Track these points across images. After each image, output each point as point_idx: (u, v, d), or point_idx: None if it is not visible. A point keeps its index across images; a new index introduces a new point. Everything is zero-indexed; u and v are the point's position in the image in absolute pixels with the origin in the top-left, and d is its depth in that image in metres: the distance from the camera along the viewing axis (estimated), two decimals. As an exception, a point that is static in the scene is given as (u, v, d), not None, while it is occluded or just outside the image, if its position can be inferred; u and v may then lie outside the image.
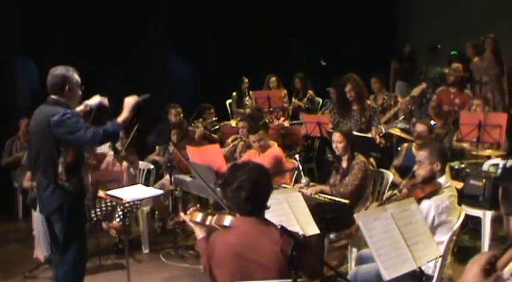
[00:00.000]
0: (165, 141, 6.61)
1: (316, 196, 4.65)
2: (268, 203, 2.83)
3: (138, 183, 5.39)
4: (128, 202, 4.72)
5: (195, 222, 3.01)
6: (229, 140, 6.83)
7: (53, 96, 3.81)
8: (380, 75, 7.60)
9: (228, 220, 2.82)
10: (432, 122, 6.03)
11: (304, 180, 4.88)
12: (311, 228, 3.55)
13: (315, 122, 6.58)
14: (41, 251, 5.22)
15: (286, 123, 7.93)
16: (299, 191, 4.10)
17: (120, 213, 5.43)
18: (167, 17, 9.67)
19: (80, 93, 3.95)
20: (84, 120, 3.86)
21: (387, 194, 4.74)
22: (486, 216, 4.84)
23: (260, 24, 10.15)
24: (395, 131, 6.10)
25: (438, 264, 3.42)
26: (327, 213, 4.32)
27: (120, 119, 3.87)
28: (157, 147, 6.86)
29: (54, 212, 3.84)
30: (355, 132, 5.36)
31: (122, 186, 4.81)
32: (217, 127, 7.74)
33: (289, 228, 2.57)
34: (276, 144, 5.79)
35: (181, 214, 3.21)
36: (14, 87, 8.49)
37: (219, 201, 4.43)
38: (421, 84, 7.08)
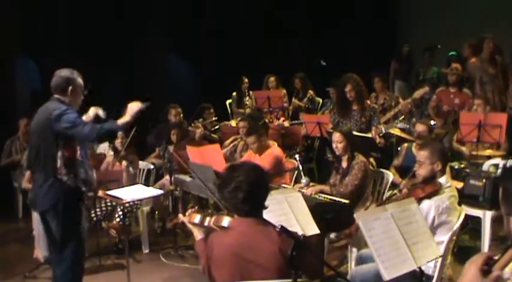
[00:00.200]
0: (165, 142, 6.61)
1: (316, 196, 4.65)
2: (268, 203, 2.83)
3: (138, 183, 5.39)
4: (128, 202, 4.73)
5: (194, 224, 3.02)
6: (227, 141, 6.81)
7: (56, 96, 3.94)
8: (383, 75, 7.61)
9: (226, 221, 2.82)
10: (432, 122, 6.03)
11: (304, 180, 4.88)
12: (311, 228, 3.55)
13: (315, 122, 6.58)
14: (41, 251, 5.23)
15: (286, 123, 7.93)
16: (299, 191, 4.10)
17: (120, 213, 5.43)
18: (167, 17, 9.67)
19: (82, 97, 4.05)
20: None
21: (387, 194, 4.74)
22: (486, 216, 4.84)
23: (260, 24, 10.15)
24: (395, 131, 6.09)
25: (438, 264, 3.42)
26: (327, 213, 4.32)
27: (120, 121, 3.95)
28: (157, 149, 6.85)
29: (49, 209, 3.91)
30: (355, 132, 5.36)
31: (122, 186, 4.81)
32: (217, 127, 7.74)
33: (289, 228, 2.57)
34: (276, 144, 5.79)
35: (180, 216, 3.20)
36: (14, 87, 8.49)
37: (217, 202, 4.43)
38: (423, 86, 7.07)
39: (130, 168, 5.96)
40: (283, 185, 4.89)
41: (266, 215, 2.84)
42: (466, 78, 7.43)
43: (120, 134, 6.13)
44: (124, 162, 5.92)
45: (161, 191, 5.04)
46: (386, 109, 6.93)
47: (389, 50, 10.03)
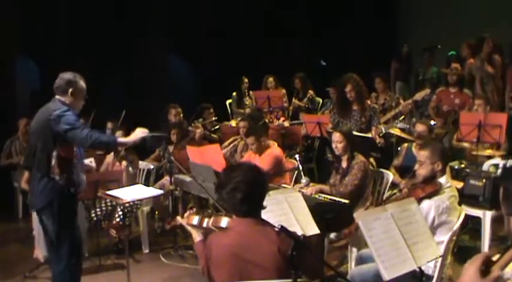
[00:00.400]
0: (165, 142, 6.60)
1: (316, 196, 4.65)
2: (268, 203, 2.83)
3: (138, 183, 5.39)
4: (128, 202, 4.73)
5: (192, 225, 3.01)
6: (226, 143, 6.80)
7: (57, 97, 3.98)
8: (384, 75, 7.62)
9: (224, 222, 2.82)
10: (432, 122, 6.03)
11: (304, 180, 4.88)
12: (311, 228, 3.55)
13: (315, 122, 6.58)
14: (40, 251, 5.22)
15: (286, 123, 7.93)
16: (299, 191, 4.10)
17: (120, 213, 5.43)
18: (167, 17, 9.67)
19: (83, 102, 4.09)
20: None
21: (387, 194, 4.74)
22: (486, 216, 4.84)
23: (260, 24, 10.15)
24: (395, 131, 6.09)
25: (438, 264, 3.42)
26: (327, 213, 4.32)
27: (121, 139, 4.12)
28: (157, 149, 6.85)
29: (44, 208, 3.95)
30: (355, 132, 5.36)
31: (122, 186, 4.81)
32: (217, 127, 7.74)
33: (289, 228, 2.57)
34: (276, 144, 5.79)
35: (178, 218, 3.19)
36: (14, 87, 8.50)
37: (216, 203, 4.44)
38: (424, 88, 7.08)
39: (130, 168, 5.96)
40: (283, 185, 4.89)
41: (266, 215, 2.84)
42: (464, 78, 7.44)
43: (120, 133, 6.13)
44: (124, 162, 5.92)
45: (161, 191, 5.04)
46: (387, 109, 6.93)
47: (389, 50, 10.03)
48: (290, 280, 2.48)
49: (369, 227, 2.90)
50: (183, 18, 9.49)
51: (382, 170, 5.24)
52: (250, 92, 8.73)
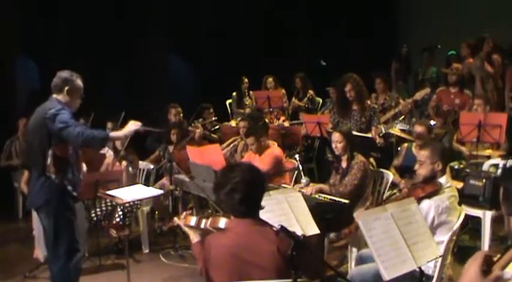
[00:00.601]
0: (165, 141, 6.61)
1: (316, 196, 4.65)
2: (268, 203, 2.83)
3: (138, 183, 5.39)
4: (128, 202, 4.73)
5: (190, 227, 2.99)
6: (225, 144, 6.78)
7: (54, 96, 3.99)
8: (385, 75, 7.62)
9: (222, 222, 2.80)
10: (432, 122, 6.03)
11: (304, 180, 4.88)
12: (311, 228, 3.55)
13: (315, 122, 6.58)
14: (41, 251, 5.22)
15: (286, 123, 7.93)
16: (299, 191, 4.10)
17: (120, 213, 5.43)
18: (167, 17, 9.67)
19: (80, 101, 4.08)
20: None
21: (387, 194, 4.74)
22: (486, 216, 4.84)
23: (260, 24, 10.15)
24: (395, 131, 6.09)
25: (438, 264, 3.42)
26: (327, 213, 4.32)
27: (112, 133, 4.08)
28: (157, 150, 6.85)
29: (41, 207, 3.98)
30: (355, 132, 5.36)
31: (122, 186, 4.81)
32: (217, 127, 7.74)
33: (289, 228, 2.57)
34: (276, 144, 5.79)
35: (175, 219, 3.15)
36: (14, 87, 8.49)
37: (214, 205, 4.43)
38: (424, 88, 7.07)
39: (130, 168, 5.96)
40: (283, 185, 4.89)
41: (266, 215, 2.83)
42: (464, 78, 7.43)
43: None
44: (124, 162, 5.92)
45: (161, 191, 5.04)
46: (387, 109, 6.93)
47: (389, 50, 10.02)
48: (290, 280, 2.48)
49: (369, 227, 2.90)
50: (183, 18, 9.49)
51: (382, 170, 5.25)
52: (250, 92, 8.73)
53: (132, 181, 5.66)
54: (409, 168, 4.55)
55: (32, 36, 8.23)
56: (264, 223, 2.76)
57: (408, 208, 3.13)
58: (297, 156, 5.53)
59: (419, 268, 3.00)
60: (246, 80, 8.86)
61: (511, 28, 8.37)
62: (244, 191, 2.69)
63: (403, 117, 6.41)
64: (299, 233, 3.35)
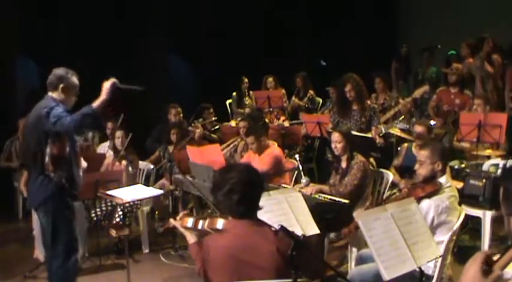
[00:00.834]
0: (166, 141, 6.61)
1: (316, 196, 4.65)
2: (268, 203, 2.82)
3: (138, 183, 5.39)
4: (128, 202, 4.72)
5: (186, 228, 2.98)
6: (224, 145, 6.75)
7: (49, 93, 4.00)
8: (384, 75, 7.62)
9: (220, 223, 2.79)
10: (432, 122, 6.03)
11: (304, 180, 4.88)
12: (311, 228, 3.55)
13: (315, 122, 6.58)
14: (41, 251, 5.22)
15: (286, 123, 7.93)
16: (299, 191, 4.10)
17: (120, 213, 5.43)
18: (167, 17, 9.67)
19: (75, 98, 4.07)
20: None
21: (387, 193, 4.74)
22: (486, 216, 4.84)
23: (260, 24, 10.15)
24: (395, 131, 6.09)
25: (438, 264, 3.42)
26: (327, 213, 4.32)
27: (95, 103, 3.87)
28: (157, 150, 6.85)
29: (39, 206, 3.99)
30: (355, 132, 5.36)
31: (122, 186, 4.81)
32: (217, 127, 7.74)
33: (289, 228, 2.57)
34: (276, 144, 5.79)
35: (171, 220, 3.13)
36: (14, 87, 8.49)
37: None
38: (423, 85, 7.07)
39: (130, 168, 5.95)
40: (283, 185, 4.89)
41: (266, 215, 2.83)
42: (464, 78, 7.43)
43: (120, 133, 6.13)
44: (124, 162, 5.92)
45: (161, 191, 5.04)
46: (386, 109, 6.93)
47: (389, 50, 10.02)
48: (290, 280, 2.48)
49: (369, 227, 2.90)
50: (183, 18, 9.49)
51: (382, 170, 5.25)
52: (250, 92, 8.74)
53: (132, 181, 5.66)
54: (409, 168, 4.55)
55: (32, 36, 8.22)
56: (262, 223, 2.75)
57: (408, 208, 3.13)
58: (297, 156, 5.53)
59: (419, 268, 3.00)
60: (246, 80, 8.87)
61: (511, 28, 8.37)
62: (242, 191, 2.68)
63: (403, 117, 6.42)
64: (299, 233, 3.35)
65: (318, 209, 4.07)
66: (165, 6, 9.53)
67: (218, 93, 8.85)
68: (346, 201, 4.51)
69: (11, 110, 8.08)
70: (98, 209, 5.46)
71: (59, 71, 4.01)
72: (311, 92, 8.57)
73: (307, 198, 3.88)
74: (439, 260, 3.34)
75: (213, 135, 7.48)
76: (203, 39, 9.66)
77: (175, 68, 10.20)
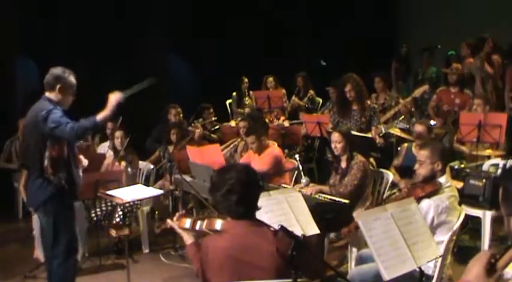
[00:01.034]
0: (165, 141, 6.61)
1: (316, 196, 4.65)
2: (268, 203, 2.82)
3: (138, 183, 5.39)
4: (128, 202, 4.73)
5: (184, 228, 2.96)
6: (224, 145, 6.74)
7: (46, 94, 3.99)
8: (384, 75, 7.62)
9: (219, 224, 2.79)
10: (432, 122, 6.03)
11: (304, 180, 4.88)
12: (311, 228, 3.55)
13: (315, 122, 6.58)
14: (41, 251, 5.22)
15: (286, 123, 7.93)
16: (299, 191, 4.10)
17: (120, 213, 5.43)
18: (167, 17, 9.67)
19: (73, 97, 4.06)
20: None
21: (387, 193, 4.74)
22: (486, 216, 4.84)
23: (260, 24, 10.15)
24: (395, 131, 6.09)
25: (438, 264, 3.42)
26: (327, 213, 4.32)
27: (99, 117, 3.91)
28: (157, 150, 6.84)
29: (39, 207, 3.99)
30: (355, 132, 5.36)
31: (122, 186, 4.81)
32: (217, 127, 7.74)
33: (289, 228, 2.56)
34: (276, 144, 5.79)
35: (168, 220, 3.11)
36: (14, 87, 8.49)
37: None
38: (422, 85, 7.07)
39: (129, 169, 5.95)
40: (283, 185, 4.89)
41: (266, 215, 2.83)
42: (465, 78, 7.43)
43: (119, 133, 6.13)
44: (123, 163, 5.91)
45: (161, 191, 5.04)
46: (387, 109, 6.93)
47: (389, 50, 10.03)
48: (290, 280, 2.47)
49: (369, 227, 2.90)
50: (183, 18, 9.49)
51: (382, 170, 5.25)
52: (250, 92, 8.74)
53: (131, 181, 5.65)
54: (409, 168, 4.55)
55: (32, 36, 8.23)
56: (261, 224, 2.75)
57: (408, 208, 3.13)
58: (297, 156, 5.53)
59: (419, 268, 3.00)
60: (246, 80, 8.87)
61: (511, 28, 8.37)
62: (240, 192, 2.67)
63: (403, 117, 6.42)
64: (299, 233, 3.34)
65: (318, 209, 4.07)
66: (165, 6, 9.53)
67: (218, 93, 8.85)
68: (346, 201, 4.51)
69: (11, 110, 8.08)
70: (98, 209, 5.46)
71: (56, 71, 3.99)
72: (311, 92, 8.58)
73: (307, 198, 3.89)
74: (439, 260, 3.34)
75: (213, 135, 7.48)
76: (203, 39, 9.66)
77: (175, 68, 10.20)
